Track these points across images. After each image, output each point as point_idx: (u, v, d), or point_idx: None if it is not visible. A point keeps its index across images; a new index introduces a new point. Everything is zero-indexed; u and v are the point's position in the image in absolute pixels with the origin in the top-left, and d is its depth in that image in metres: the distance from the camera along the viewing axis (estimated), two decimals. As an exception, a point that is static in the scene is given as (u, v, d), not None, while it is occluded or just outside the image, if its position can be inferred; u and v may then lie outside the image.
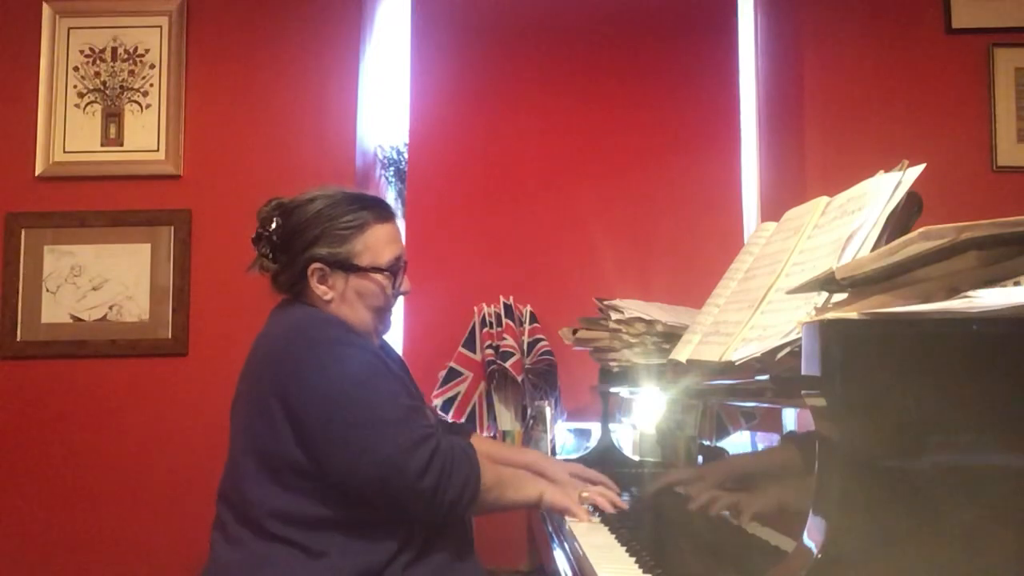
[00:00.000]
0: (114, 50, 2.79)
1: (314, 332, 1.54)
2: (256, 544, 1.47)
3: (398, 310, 2.82)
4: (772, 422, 1.17)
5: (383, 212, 1.65)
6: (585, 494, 1.67)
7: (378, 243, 1.61)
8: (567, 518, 1.62)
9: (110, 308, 2.71)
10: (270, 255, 1.62)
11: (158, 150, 2.75)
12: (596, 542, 1.45)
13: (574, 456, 2.37)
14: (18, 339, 2.70)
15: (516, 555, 2.57)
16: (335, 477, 1.47)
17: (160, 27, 2.79)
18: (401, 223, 2.97)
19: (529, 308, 2.69)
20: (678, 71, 2.91)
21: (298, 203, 1.62)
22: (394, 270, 1.63)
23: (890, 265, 0.80)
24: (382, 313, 1.65)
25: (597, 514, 1.66)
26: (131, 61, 2.78)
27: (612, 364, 1.97)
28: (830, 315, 0.82)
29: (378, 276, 1.61)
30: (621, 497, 1.73)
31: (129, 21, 2.79)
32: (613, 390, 2.18)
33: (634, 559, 1.32)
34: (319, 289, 1.59)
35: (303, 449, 1.48)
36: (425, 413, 1.57)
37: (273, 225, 1.61)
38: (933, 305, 0.78)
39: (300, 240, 1.59)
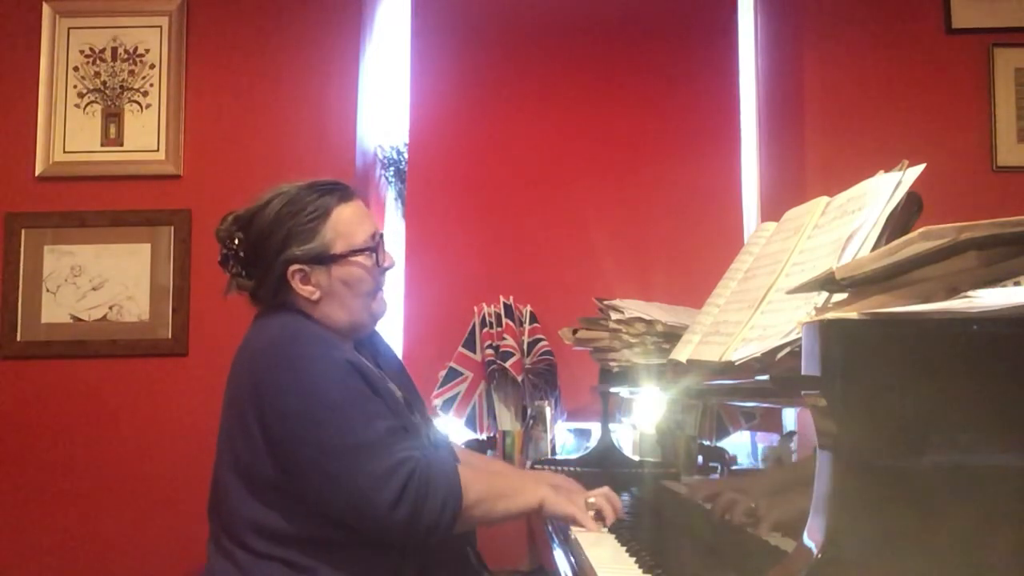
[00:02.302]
0: (114, 50, 2.79)
1: (293, 348, 1.48)
2: (246, 560, 1.45)
3: (398, 310, 2.82)
4: (772, 422, 1.17)
5: (344, 193, 1.57)
6: (591, 500, 1.55)
7: (348, 225, 1.54)
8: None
9: (110, 308, 2.71)
10: (242, 272, 1.55)
11: (158, 150, 2.75)
12: (596, 542, 1.44)
13: (574, 456, 2.38)
14: (18, 339, 2.70)
15: (516, 555, 2.57)
16: (312, 502, 1.43)
17: (160, 27, 2.79)
18: (401, 223, 2.97)
19: (529, 308, 2.70)
20: (678, 71, 2.91)
21: (254, 211, 1.54)
22: (373, 247, 1.56)
23: (890, 265, 0.80)
24: (374, 295, 1.59)
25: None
26: (131, 61, 2.78)
27: (612, 364, 1.97)
28: (830, 315, 0.82)
29: (359, 258, 1.54)
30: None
31: (129, 21, 2.79)
32: (613, 390, 2.18)
33: (634, 559, 1.32)
34: (304, 291, 1.53)
35: (281, 470, 1.44)
36: (407, 432, 1.48)
37: (236, 241, 1.54)
38: (933, 305, 0.77)
39: (269, 247, 1.51)
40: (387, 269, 1.61)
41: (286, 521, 1.44)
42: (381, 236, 1.60)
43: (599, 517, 1.54)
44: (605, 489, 1.60)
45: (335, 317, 1.56)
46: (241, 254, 1.54)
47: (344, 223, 1.54)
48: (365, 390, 1.46)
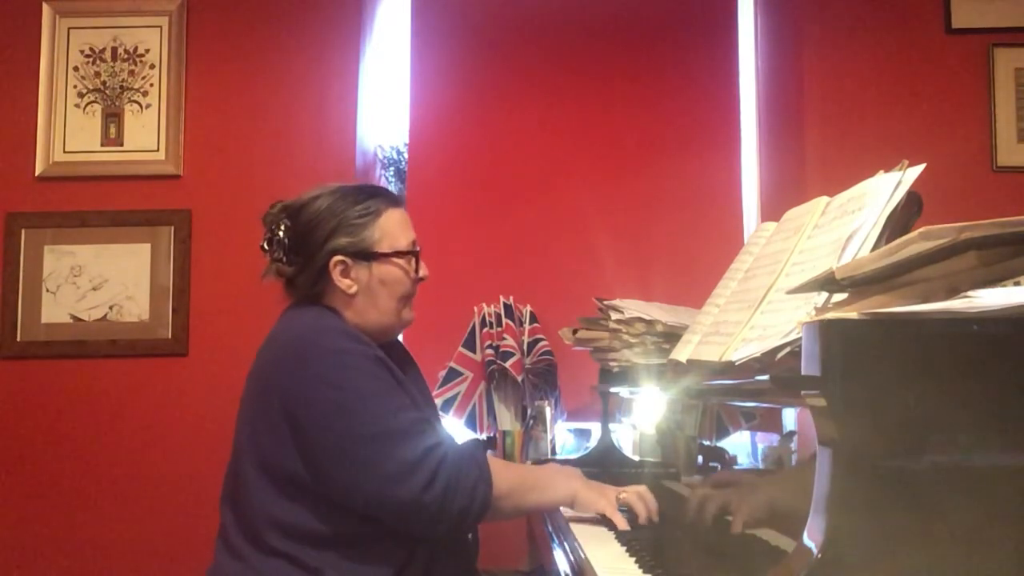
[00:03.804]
0: (114, 50, 2.79)
1: (322, 340, 1.50)
2: (255, 557, 1.45)
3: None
4: (772, 422, 1.17)
5: (392, 198, 1.65)
6: (623, 495, 1.56)
7: (395, 228, 1.60)
8: (569, 520, 1.59)
9: (110, 308, 2.71)
10: (284, 258, 1.58)
11: (158, 150, 2.75)
12: (596, 542, 1.44)
13: (574, 456, 2.38)
14: (18, 339, 2.70)
15: (516, 555, 2.57)
16: (337, 493, 1.44)
17: (160, 27, 2.79)
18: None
19: (529, 308, 2.70)
20: (678, 71, 2.91)
21: (303, 202, 1.59)
22: (414, 253, 1.62)
23: (890, 265, 0.80)
24: (406, 301, 1.62)
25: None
26: (131, 61, 2.78)
27: (612, 364, 1.97)
28: (830, 315, 0.82)
29: (400, 260, 1.59)
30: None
31: (129, 21, 2.79)
32: (613, 390, 2.18)
33: (634, 559, 1.32)
34: (343, 283, 1.56)
35: (306, 462, 1.44)
36: (433, 423, 1.52)
37: (282, 227, 1.58)
38: (933, 305, 0.77)
39: (316, 236, 1.56)
40: (422, 279, 1.65)
41: (306, 516, 1.45)
42: (419, 247, 1.65)
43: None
44: (642, 488, 1.59)
45: (366, 315, 1.59)
46: (286, 240, 1.58)
47: (392, 225, 1.60)
48: (393, 383, 1.49)
